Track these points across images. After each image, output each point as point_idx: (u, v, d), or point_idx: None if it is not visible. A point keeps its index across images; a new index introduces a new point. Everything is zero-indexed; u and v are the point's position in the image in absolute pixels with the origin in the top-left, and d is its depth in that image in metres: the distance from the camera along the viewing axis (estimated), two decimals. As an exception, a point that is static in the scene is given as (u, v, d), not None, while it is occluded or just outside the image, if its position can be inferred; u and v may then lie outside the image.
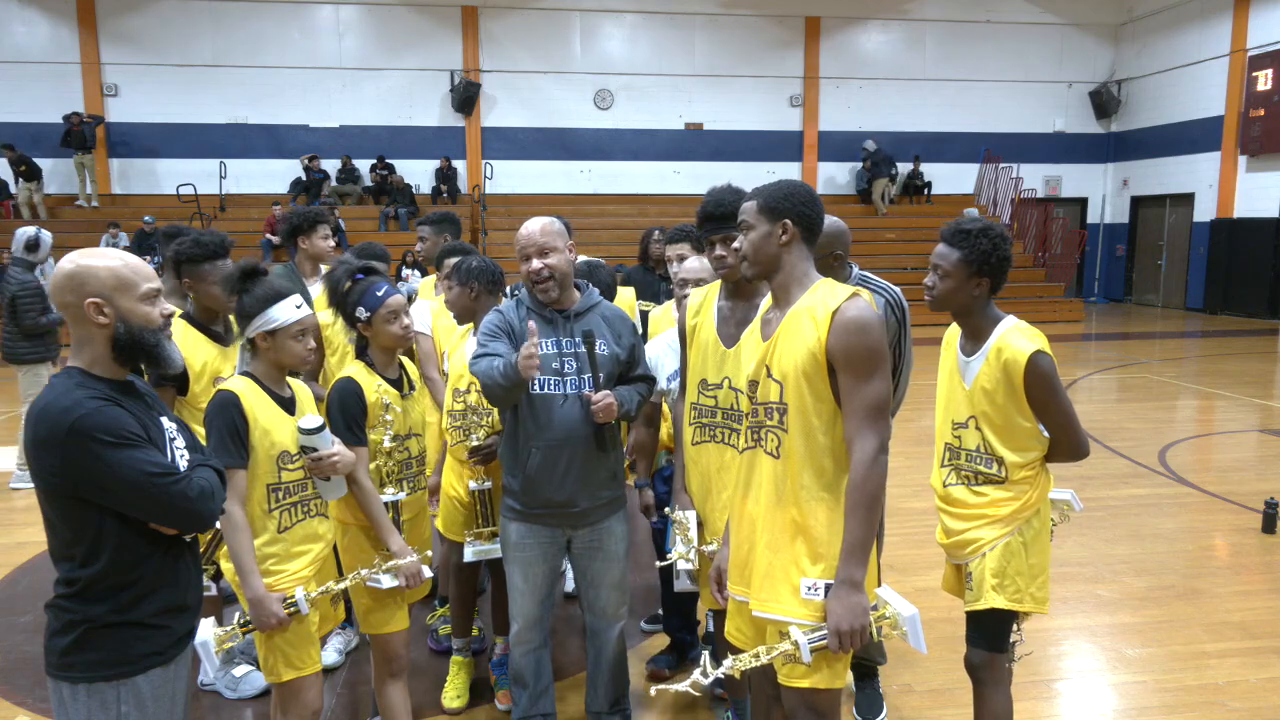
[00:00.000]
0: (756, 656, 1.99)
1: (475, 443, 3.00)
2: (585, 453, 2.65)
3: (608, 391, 2.62)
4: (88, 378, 1.79)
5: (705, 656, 1.96)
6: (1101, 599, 4.27)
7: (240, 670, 3.42)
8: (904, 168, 18.40)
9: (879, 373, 1.97)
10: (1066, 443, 2.38)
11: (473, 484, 3.03)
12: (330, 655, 3.58)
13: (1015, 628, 2.49)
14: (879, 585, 2.08)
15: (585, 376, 2.64)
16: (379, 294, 2.65)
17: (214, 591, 3.09)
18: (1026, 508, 2.37)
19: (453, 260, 3.50)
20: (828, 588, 1.99)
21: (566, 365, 2.65)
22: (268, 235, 14.83)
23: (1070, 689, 3.49)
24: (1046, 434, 2.38)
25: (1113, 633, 3.93)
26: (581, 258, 3.87)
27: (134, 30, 16.31)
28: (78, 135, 15.32)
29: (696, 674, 1.95)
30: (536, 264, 2.62)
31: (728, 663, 1.98)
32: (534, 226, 2.66)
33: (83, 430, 1.69)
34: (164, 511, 1.79)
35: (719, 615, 2.64)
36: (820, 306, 2.00)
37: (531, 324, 2.53)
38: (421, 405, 2.95)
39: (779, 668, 2.04)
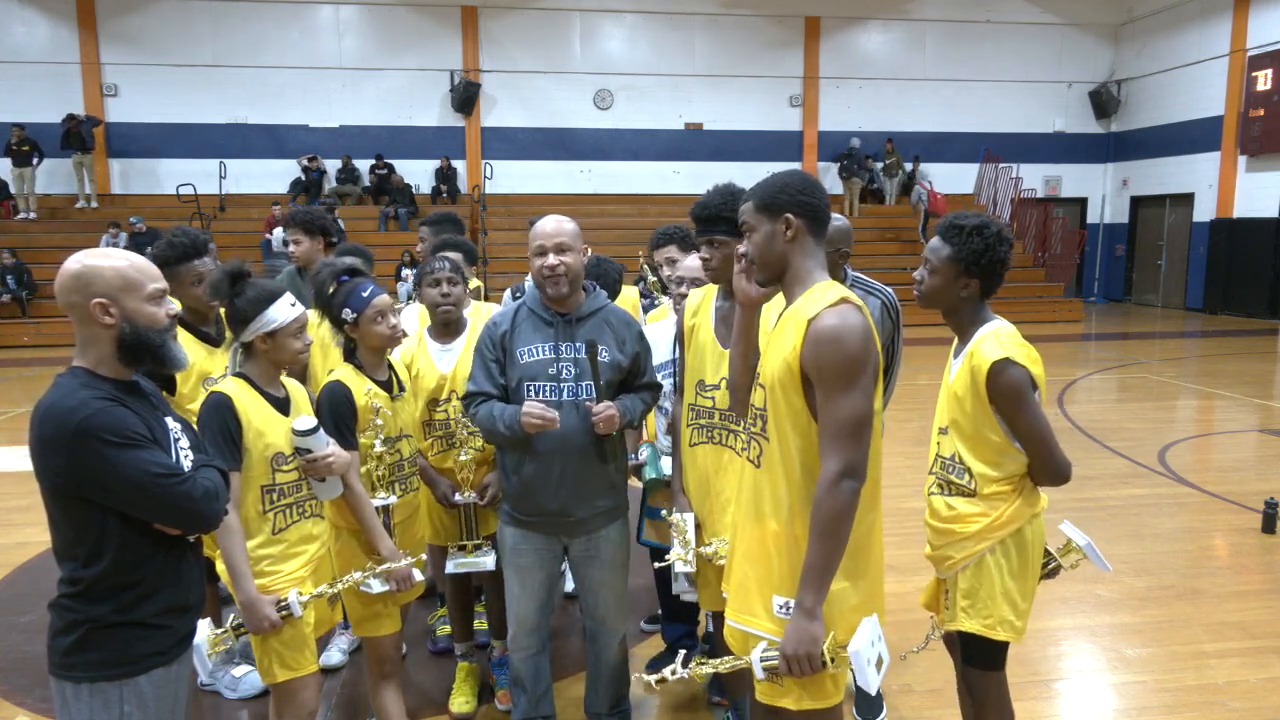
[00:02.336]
0: (720, 664, 1.97)
1: (464, 458, 2.95)
2: (581, 462, 2.62)
3: (609, 403, 2.58)
4: (93, 378, 1.79)
5: (680, 655, 1.93)
6: (1101, 599, 4.26)
7: (240, 670, 3.42)
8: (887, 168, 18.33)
9: (852, 390, 1.81)
10: (1039, 462, 2.21)
11: (458, 497, 2.99)
12: (334, 655, 3.59)
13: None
14: (872, 613, 1.97)
15: (584, 384, 2.60)
16: (364, 295, 2.63)
17: None
18: (996, 527, 2.22)
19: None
20: None
21: (564, 371, 2.61)
22: (267, 235, 14.83)
23: (1070, 689, 3.49)
24: (1021, 450, 2.22)
25: (1112, 633, 3.92)
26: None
27: (134, 30, 16.31)
28: (76, 136, 15.28)
29: (666, 670, 1.93)
30: (553, 260, 2.58)
31: (692, 665, 1.95)
32: (551, 224, 2.63)
33: (88, 430, 1.69)
34: (167, 512, 1.79)
35: (718, 616, 2.64)
36: (803, 313, 1.87)
37: (540, 410, 2.50)
38: (412, 406, 2.93)
39: (755, 683, 1.98)
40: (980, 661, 2.34)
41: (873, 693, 1.93)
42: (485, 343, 2.70)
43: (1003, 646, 2.33)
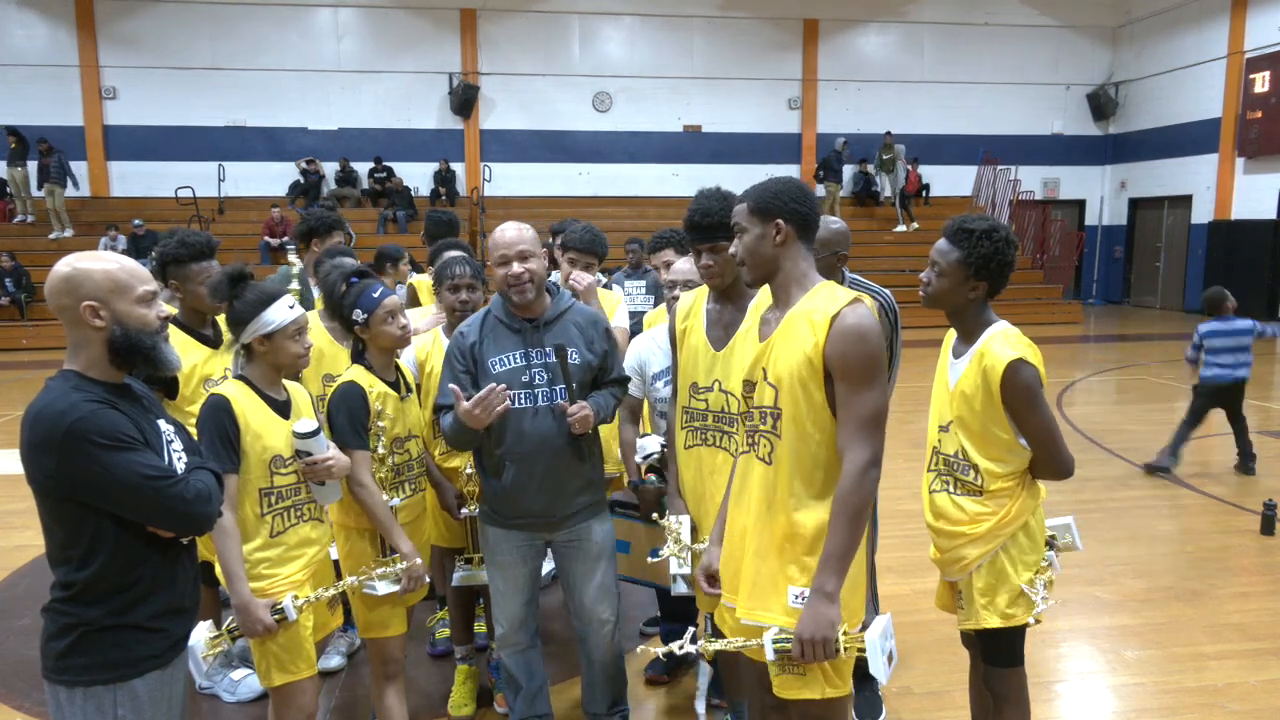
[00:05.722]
0: (730, 643, 2.01)
1: (469, 471, 2.95)
2: (559, 463, 2.63)
3: (584, 403, 2.61)
4: (84, 380, 1.79)
5: (690, 632, 1.98)
6: (1100, 601, 4.26)
7: (239, 674, 3.41)
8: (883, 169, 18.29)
9: (876, 383, 1.92)
10: (1046, 459, 2.27)
11: (463, 511, 2.99)
12: (333, 659, 3.58)
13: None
14: (877, 609, 2.04)
15: (557, 387, 2.62)
16: (375, 295, 2.65)
17: None
18: (1005, 523, 2.27)
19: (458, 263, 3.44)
20: None
21: (536, 377, 2.62)
22: (266, 238, 14.84)
23: (1069, 691, 3.49)
24: (1026, 447, 2.27)
25: (1112, 635, 3.92)
26: (582, 222, 3.95)
27: (132, 33, 16.31)
28: (44, 170, 14.67)
29: (674, 644, 2.00)
30: (517, 268, 2.59)
31: (700, 641, 2.01)
32: (512, 232, 2.64)
33: (79, 433, 1.68)
34: (160, 514, 1.79)
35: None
36: (819, 311, 1.94)
37: (467, 406, 2.45)
38: (419, 407, 2.93)
39: (773, 677, 2.01)
40: (1003, 658, 2.38)
41: (884, 682, 2.00)
42: (454, 354, 2.70)
43: (1021, 639, 2.37)
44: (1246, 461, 6.40)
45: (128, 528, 1.79)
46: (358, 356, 2.74)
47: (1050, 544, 2.42)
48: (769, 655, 1.94)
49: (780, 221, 2.01)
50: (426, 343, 3.15)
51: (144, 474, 1.73)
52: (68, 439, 1.68)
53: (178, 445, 1.92)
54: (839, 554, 1.91)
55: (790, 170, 18.31)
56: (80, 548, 1.77)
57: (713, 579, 2.29)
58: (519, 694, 2.85)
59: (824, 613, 1.89)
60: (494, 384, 2.49)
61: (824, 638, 1.88)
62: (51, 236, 14.87)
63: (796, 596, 1.97)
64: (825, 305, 1.95)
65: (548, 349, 2.63)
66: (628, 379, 2.91)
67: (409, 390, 2.83)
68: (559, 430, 2.61)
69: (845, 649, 1.92)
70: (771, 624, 2.00)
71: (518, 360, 2.63)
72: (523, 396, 2.61)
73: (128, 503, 1.75)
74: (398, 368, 2.83)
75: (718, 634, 2.42)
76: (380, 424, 2.64)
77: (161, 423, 1.91)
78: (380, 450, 2.66)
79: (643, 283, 5.84)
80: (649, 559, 2.95)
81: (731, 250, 2.11)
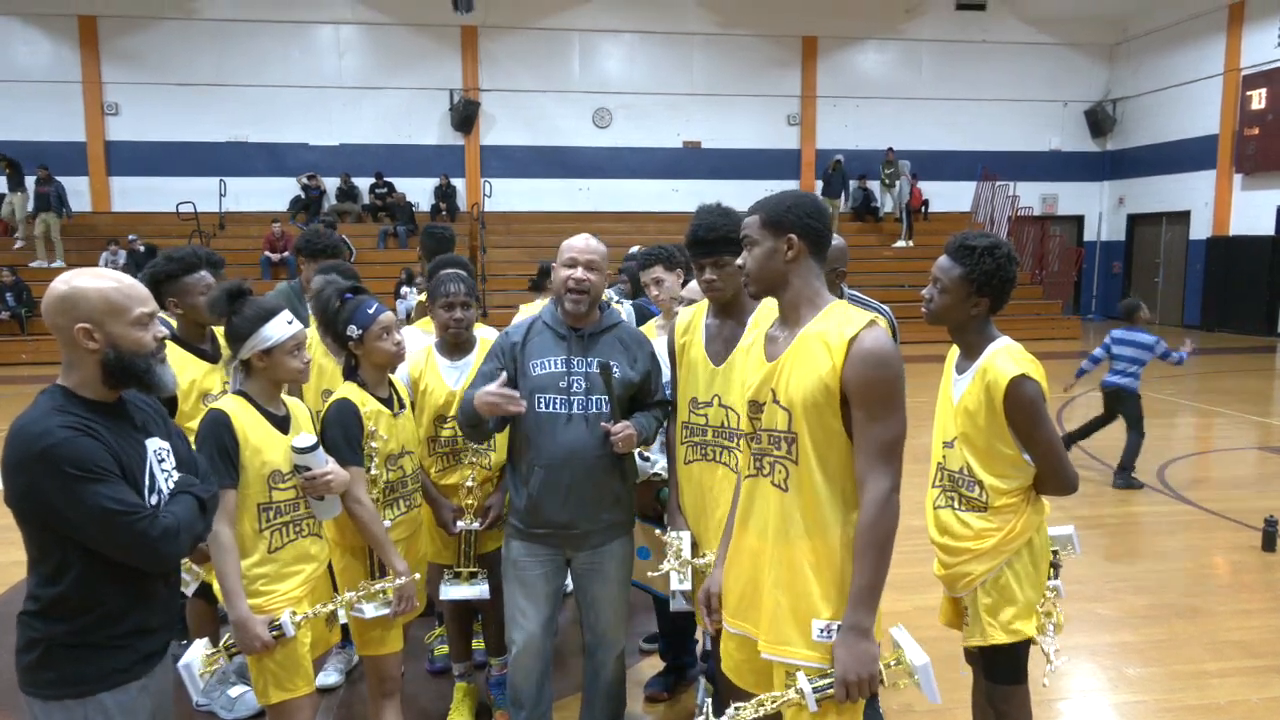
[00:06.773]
0: (761, 705, 1.88)
1: (470, 484, 2.94)
2: (589, 474, 2.62)
3: (627, 423, 2.60)
4: (71, 400, 1.77)
5: (708, 705, 1.85)
6: (1101, 617, 4.24)
7: (236, 691, 3.39)
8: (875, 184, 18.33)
9: (896, 409, 1.85)
10: (1050, 474, 2.27)
11: (460, 524, 2.97)
12: (331, 676, 3.56)
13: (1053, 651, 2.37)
14: (894, 625, 1.98)
15: (593, 398, 2.62)
16: (370, 311, 2.65)
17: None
18: (1011, 539, 2.27)
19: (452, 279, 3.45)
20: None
21: (574, 385, 2.61)
22: (266, 253, 14.87)
23: (1071, 709, 3.47)
24: (1031, 463, 2.27)
25: (1113, 652, 3.90)
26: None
27: (135, 49, 16.42)
28: (43, 199, 14.52)
29: None
30: (581, 273, 2.61)
31: (730, 712, 1.87)
32: (583, 241, 2.68)
33: (49, 459, 1.67)
34: (122, 549, 1.76)
35: (717, 635, 2.63)
36: (835, 333, 1.87)
37: (497, 393, 2.49)
38: (413, 423, 2.92)
39: (785, 714, 1.94)
40: (1006, 676, 2.37)
41: (938, 701, 1.94)
42: (495, 351, 2.73)
43: (1025, 656, 2.36)
44: (1122, 472, 6.46)
45: (95, 553, 1.77)
46: (350, 373, 2.73)
47: (1054, 565, 2.41)
48: (812, 707, 1.85)
49: (793, 236, 1.93)
50: (419, 360, 3.13)
51: (108, 508, 1.70)
52: (40, 463, 1.67)
53: (169, 464, 1.90)
54: (869, 588, 1.84)
55: (789, 186, 18.37)
56: (49, 565, 1.77)
57: (713, 604, 2.22)
58: (523, 714, 2.82)
59: (865, 649, 1.83)
60: (518, 403, 2.50)
61: (869, 675, 1.83)
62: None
63: (822, 630, 1.89)
64: (841, 327, 1.87)
65: (590, 359, 2.63)
66: (669, 401, 2.85)
67: (402, 406, 2.82)
68: (592, 441, 2.60)
69: (886, 682, 1.89)
70: (796, 659, 1.92)
71: (558, 366, 2.63)
72: (558, 402, 2.61)
73: (91, 533, 1.73)
74: (391, 383, 2.82)
75: (716, 652, 2.41)
76: (373, 445, 2.63)
77: (153, 441, 1.90)
78: (372, 470, 2.64)
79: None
80: (649, 573, 2.93)
81: (739, 262, 2.02)
